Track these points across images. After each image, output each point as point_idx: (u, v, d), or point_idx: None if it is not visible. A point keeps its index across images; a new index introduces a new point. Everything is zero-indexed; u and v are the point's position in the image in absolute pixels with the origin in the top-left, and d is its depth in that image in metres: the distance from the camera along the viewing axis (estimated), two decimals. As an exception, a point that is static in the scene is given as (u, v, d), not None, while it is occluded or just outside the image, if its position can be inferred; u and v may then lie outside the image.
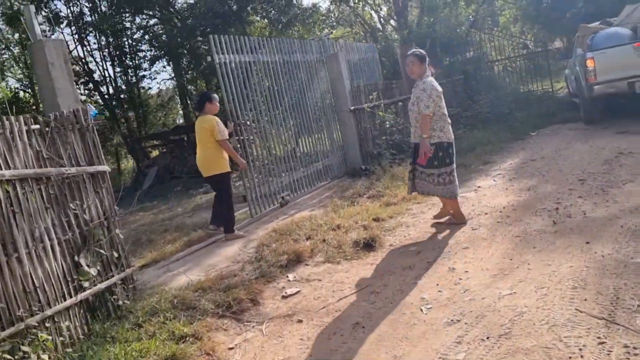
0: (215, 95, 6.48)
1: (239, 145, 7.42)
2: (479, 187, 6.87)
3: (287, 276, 4.66)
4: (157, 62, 22.26)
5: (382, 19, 17.67)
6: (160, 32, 21.47)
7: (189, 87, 23.89)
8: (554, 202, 5.50)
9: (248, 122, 7.58)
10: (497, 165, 8.19)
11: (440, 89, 5.32)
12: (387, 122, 9.50)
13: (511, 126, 11.39)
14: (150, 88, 24.67)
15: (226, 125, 7.12)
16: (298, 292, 4.30)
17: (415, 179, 5.57)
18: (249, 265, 5.07)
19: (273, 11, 18.69)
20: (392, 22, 17.75)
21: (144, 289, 4.77)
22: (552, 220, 4.87)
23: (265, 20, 18.32)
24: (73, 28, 21.24)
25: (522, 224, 4.96)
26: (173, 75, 23.91)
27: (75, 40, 21.89)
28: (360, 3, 17.27)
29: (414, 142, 5.48)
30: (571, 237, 4.28)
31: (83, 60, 22.33)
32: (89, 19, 21.07)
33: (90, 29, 20.72)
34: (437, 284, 3.85)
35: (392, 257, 4.77)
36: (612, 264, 3.54)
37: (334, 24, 18.62)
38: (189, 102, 23.29)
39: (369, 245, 5.12)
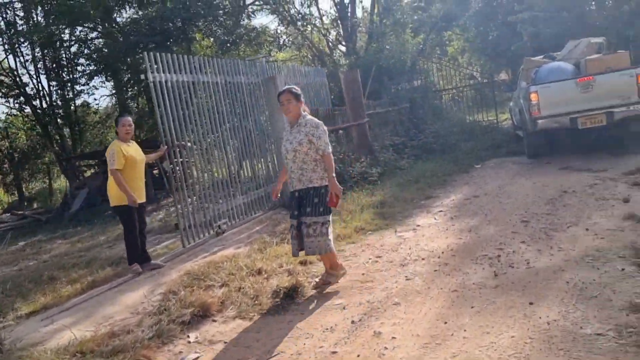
0: (124, 118, 5.87)
1: (177, 168, 6.77)
2: (418, 225, 6.37)
3: (188, 336, 3.94)
4: (96, 77, 21.13)
5: (330, 44, 17.35)
6: (101, 46, 20.40)
7: (131, 104, 22.80)
8: (496, 247, 5.04)
9: (184, 143, 6.94)
10: (439, 200, 7.76)
11: None
12: (327, 151, 8.96)
13: (456, 157, 11.11)
14: (89, 104, 23.35)
15: (159, 148, 6.61)
16: (196, 359, 3.59)
17: (303, 237, 4.50)
18: (149, 318, 4.32)
19: (219, 30, 18.10)
20: (340, 47, 17.49)
21: (13, 349, 3.94)
22: (494, 271, 4.38)
23: (212, 39, 17.67)
24: (4, 37, 19.92)
25: (461, 274, 4.44)
26: (114, 91, 22.78)
27: (7, 50, 20.54)
28: (308, 26, 16.90)
29: (298, 189, 4.53)
30: (513, 295, 3.77)
31: (15, 72, 20.95)
32: (21, 28, 19.82)
33: (22, 40, 19.44)
34: (358, 355, 3.23)
35: (314, 312, 4.14)
36: (558, 336, 3.03)
37: (282, 46, 18.19)
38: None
39: (290, 296, 4.47)
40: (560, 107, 9.04)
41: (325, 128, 4.56)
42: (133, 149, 5.85)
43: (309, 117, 4.60)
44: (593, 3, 13.76)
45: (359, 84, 10.86)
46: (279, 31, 18.08)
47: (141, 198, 5.87)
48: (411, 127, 13.81)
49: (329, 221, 4.51)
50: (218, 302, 4.39)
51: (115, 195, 5.73)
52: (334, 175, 4.45)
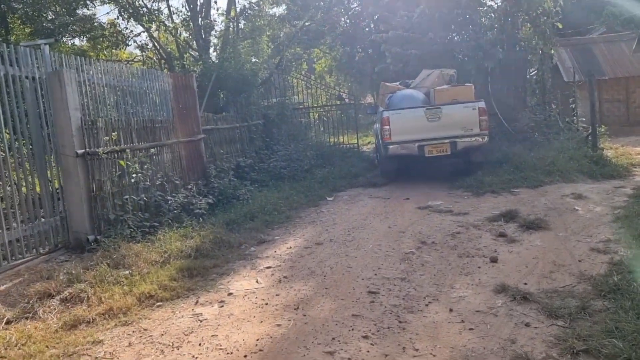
0: None
1: None
2: (230, 294, 4.52)
3: None
4: None
5: (180, 46, 15.14)
6: None
7: None
8: (325, 348, 3.35)
9: None
10: (273, 247, 6.03)
11: None
12: (134, 175, 6.80)
13: (308, 187, 9.56)
14: None
15: None
16: None
17: None
18: None
19: (43, 17, 15.03)
20: (193, 52, 15.36)
21: None
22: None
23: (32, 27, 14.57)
24: None
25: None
26: None
27: None
28: (154, 24, 14.54)
29: None
30: None
31: None
32: None
33: None
34: None
35: None
36: None
37: (119, 43, 15.53)
38: None
39: None
40: (409, 134, 9.14)
41: None
42: None
43: None
44: (456, 32, 13.28)
45: (193, 92, 8.87)
46: (118, 25, 15.41)
47: None
48: (263, 148, 12.10)
49: None
50: None
51: None
52: None
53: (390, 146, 9.20)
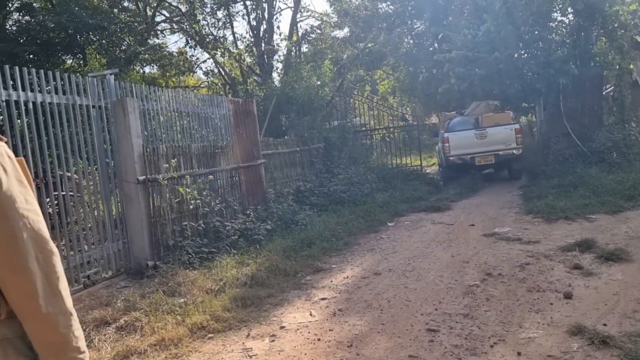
0: None
1: None
2: (282, 327, 4.36)
3: None
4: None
5: (244, 71, 15.48)
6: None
7: None
8: (379, 391, 3.12)
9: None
10: (330, 276, 5.84)
11: None
12: (193, 201, 6.85)
13: (368, 211, 9.32)
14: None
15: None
16: None
17: None
18: None
19: (117, 48, 15.83)
20: (256, 77, 15.67)
21: None
22: None
23: (105, 57, 15.36)
24: None
25: None
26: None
27: None
28: (219, 50, 14.96)
29: None
30: None
31: None
32: None
33: None
34: None
35: None
36: None
37: (186, 70, 16.10)
38: None
39: None
40: (463, 149, 12.33)
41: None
42: None
43: None
44: (523, 50, 12.74)
45: (254, 117, 8.94)
46: (185, 53, 16.01)
47: None
48: (323, 171, 12.01)
49: None
50: None
51: None
52: None
53: (450, 158, 12.47)
